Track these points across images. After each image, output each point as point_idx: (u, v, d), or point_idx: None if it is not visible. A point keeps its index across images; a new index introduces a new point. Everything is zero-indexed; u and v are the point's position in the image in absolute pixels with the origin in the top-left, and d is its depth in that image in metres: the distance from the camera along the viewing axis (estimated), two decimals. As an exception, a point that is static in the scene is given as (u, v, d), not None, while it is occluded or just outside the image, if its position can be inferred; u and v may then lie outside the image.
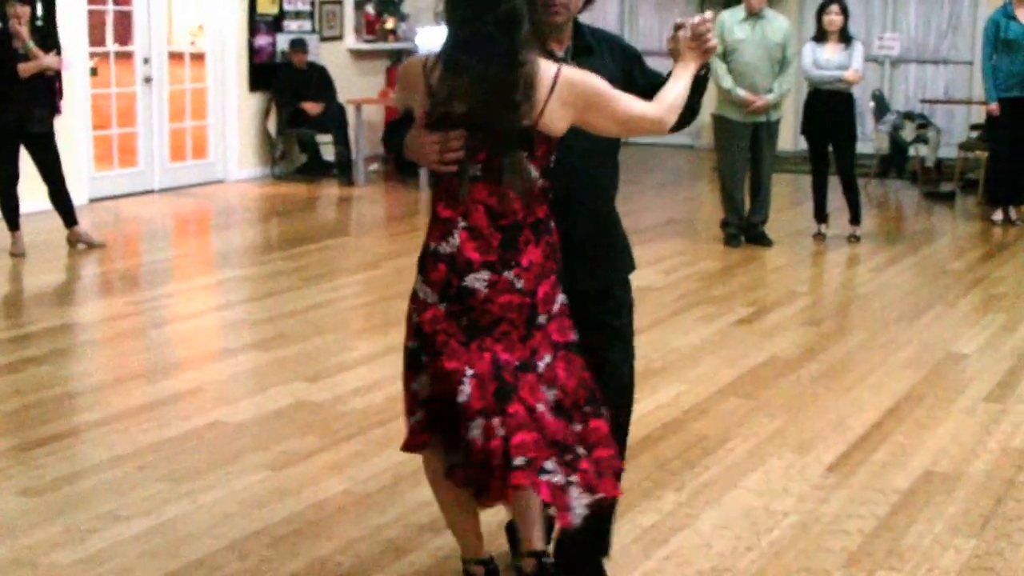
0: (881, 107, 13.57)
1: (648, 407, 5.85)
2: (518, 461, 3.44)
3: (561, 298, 3.59)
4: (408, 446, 3.78)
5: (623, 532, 4.43)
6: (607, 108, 3.52)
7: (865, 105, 13.74)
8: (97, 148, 11.90)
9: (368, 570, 4.15)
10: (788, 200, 11.91)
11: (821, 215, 10.30)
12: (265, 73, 13.28)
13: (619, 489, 3.66)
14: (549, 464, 3.49)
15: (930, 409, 5.91)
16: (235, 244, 10.29)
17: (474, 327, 3.48)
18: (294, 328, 7.28)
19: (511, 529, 4.09)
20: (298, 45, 13.20)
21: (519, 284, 3.47)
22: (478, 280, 3.47)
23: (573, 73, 3.50)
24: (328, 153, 13.50)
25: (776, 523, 4.54)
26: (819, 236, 10.25)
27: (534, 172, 3.48)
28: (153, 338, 7.24)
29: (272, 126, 13.40)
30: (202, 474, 4.99)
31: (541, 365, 3.52)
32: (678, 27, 3.71)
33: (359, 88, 14.03)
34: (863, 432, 5.56)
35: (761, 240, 9.95)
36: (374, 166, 13.91)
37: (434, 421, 3.65)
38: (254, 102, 13.33)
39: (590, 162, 3.77)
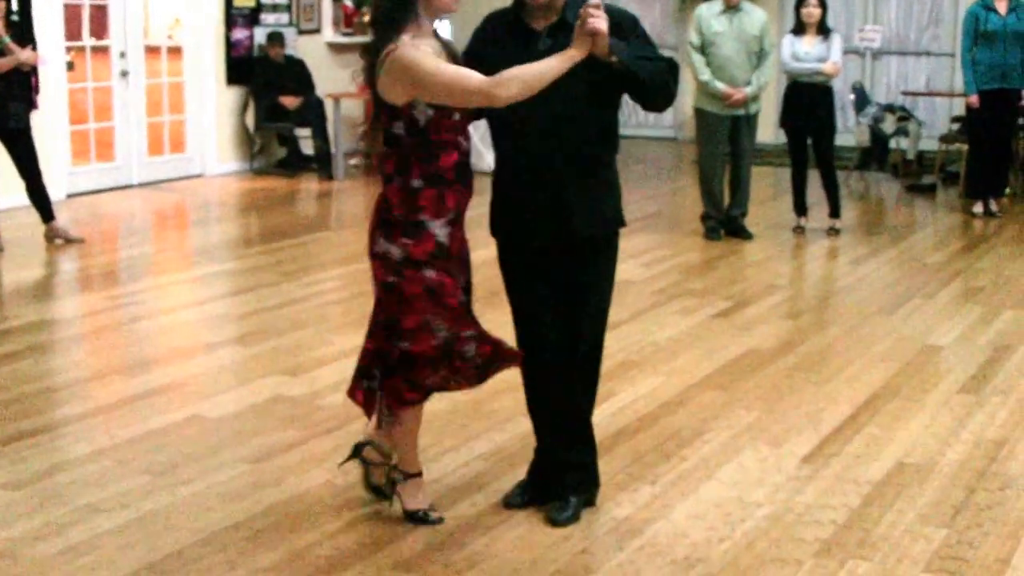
0: (862, 99, 13.62)
1: (625, 400, 5.89)
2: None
3: (382, 247, 4.35)
4: None
5: (598, 524, 4.48)
6: (431, 82, 4.03)
7: (846, 98, 13.80)
8: (74, 143, 11.86)
9: (346, 562, 4.18)
10: (768, 193, 11.96)
11: (801, 208, 10.35)
12: (243, 67, 13.28)
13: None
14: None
15: (905, 401, 5.96)
16: (214, 239, 10.30)
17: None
18: (273, 323, 7.30)
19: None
20: (275, 38, 13.20)
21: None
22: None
23: (402, 51, 4.01)
24: (307, 147, 13.49)
25: (750, 514, 4.59)
26: (799, 229, 10.29)
27: (373, 137, 4.26)
28: (132, 333, 7.25)
29: (250, 120, 13.39)
30: (181, 468, 5.02)
31: (377, 289, 4.42)
32: (584, 9, 3.97)
33: (338, 82, 14.01)
34: (838, 424, 5.61)
35: (741, 233, 10.00)
36: (354, 160, 13.92)
37: None
38: (232, 96, 13.33)
39: (571, 108, 4.15)
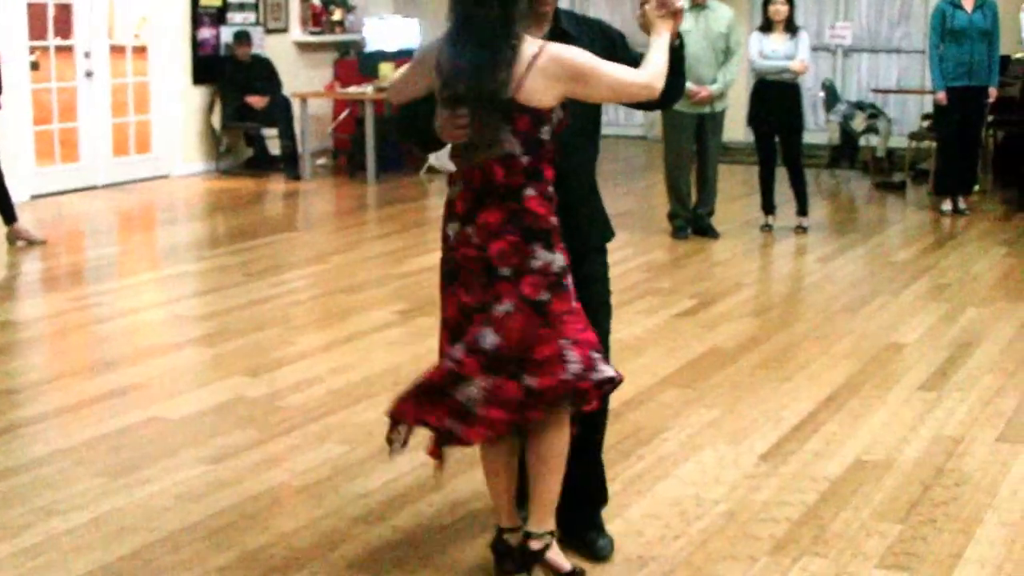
0: (832, 97, 13.65)
1: (586, 398, 5.88)
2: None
3: (539, 261, 3.77)
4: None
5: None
6: (596, 77, 3.78)
7: (816, 95, 13.84)
8: (38, 144, 11.81)
9: (300, 561, 4.17)
10: (736, 191, 11.98)
11: (768, 206, 10.37)
12: (209, 66, 13.24)
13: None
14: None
15: (865, 398, 5.98)
16: (180, 239, 10.26)
17: (448, 273, 3.89)
18: (236, 323, 7.28)
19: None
20: (242, 38, 13.17)
21: (474, 240, 3.77)
22: (452, 229, 3.85)
23: (559, 49, 3.76)
24: (274, 147, 13.46)
25: (706, 512, 4.59)
26: (766, 228, 10.31)
27: (515, 145, 3.74)
28: (94, 334, 7.21)
29: (217, 120, 13.35)
30: (139, 469, 5.00)
31: (497, 309, 3.76)
32: (643, 2, 3.94)
33: (305, 81, 14.02)
34: (797, 422, 5.62)
35: (708, 232, 10.01)
36: (321, 160, 13.89)
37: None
38: (198, 96, 13.29)
39: (579, 139, 4.11)
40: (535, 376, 3.75)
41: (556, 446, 3.87)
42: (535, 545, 3.91)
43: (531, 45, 3.74)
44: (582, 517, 4.26)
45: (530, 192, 3.78)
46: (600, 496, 4.34)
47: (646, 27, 3.97)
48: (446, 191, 3.94)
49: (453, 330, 3.90)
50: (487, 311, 3.77)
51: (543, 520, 3.92)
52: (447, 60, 3.77)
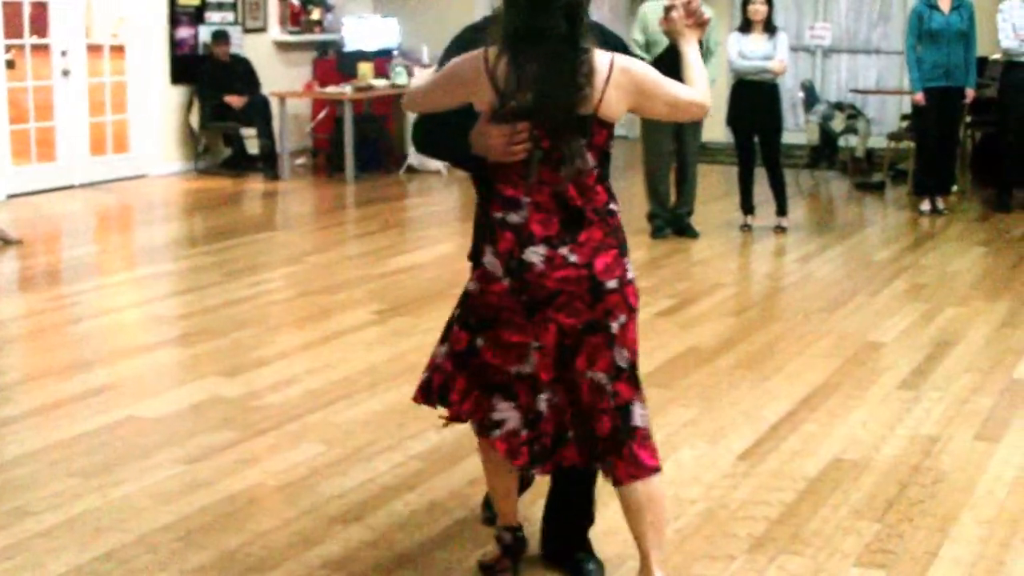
0: (811, 97, 13.68)
1: (564, 398, 5.87)
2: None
3: (631, 273, 3.73)
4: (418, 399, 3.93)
5: (531, 520, 4.45)
6: (659, 93, 3.71)
7: (795, 95, 13.86)
8: (14, 143, 11.74)
9: (277, 561, 4.15)
10: (716, 191, 11.99)
11: (748, 206, 10.38)
12: (187, 65, 13.19)
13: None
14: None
15: (844, 398, 5.98)
16: (157, 239, 10.22)
17: (533, 301, 3.64)
18: (214, 323, 7.25)
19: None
20: (221, 37, 13.13)
21: (573, 258, 3.61)
22: (536, 254, 3.62)
23: (627, 61, 3.68)
24: (252, 147, 13.43)
25: (683, 511, 4.59)
26: (746, 228, 10.32)
27: (591, 160, 3.64)
28: (71, 334, 7.18)
29: (195, 119, 13.30)
30: (114, 469, 4.97)
31: (615, 326, 3.66)
32: (669, 8, 3.88)
33: (284, 81, 13.98)
34: (776, 421, 5.62)
35: (687, 232, 10.01)
36: (300, 160, 13.86)
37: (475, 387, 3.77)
38: (176, 95, 13.24)
39: None
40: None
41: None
42: None
43: (602, 57, 3.63)
44: (571, 538, 4.18)
45: (614, 206, 3.72)
46: (590, 516, 4.24)
47: (671, 34, 3.90)
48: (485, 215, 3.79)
49: (555, 360, 3.67)
50: (605, 330, 3.66)
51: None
52: (510, 74, 3.58)
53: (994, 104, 11.49)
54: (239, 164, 13.43)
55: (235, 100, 13.01)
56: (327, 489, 4.76)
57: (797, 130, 13.73)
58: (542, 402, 3.68)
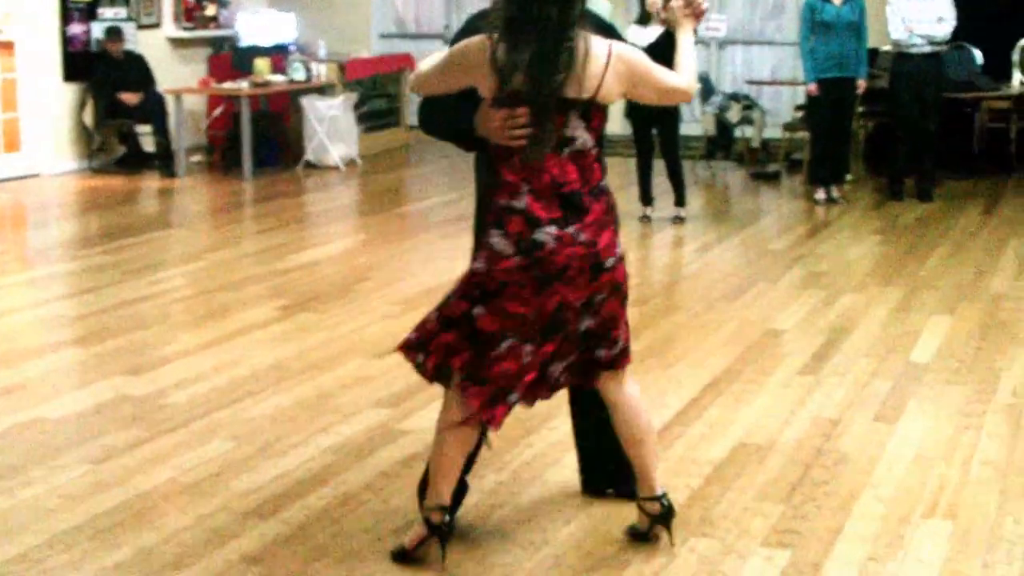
0: (707, 89, 13.83)
1: (472, 389, 5.92)
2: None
3: (621, 248, 4.04)
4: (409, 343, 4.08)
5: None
6: (651, 80, 3.98)
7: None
8: (-97, 143, 11.53)
9: (193, 558, 4.15)
10: (615, 183, 11.74)
11: (646, 198, 10.48)
12: (80, 62, 13.02)
13: None
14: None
15: (746, 383, 6.10)
16: (52, 239, 10.10)
17: (544, 276, 3.87)
18: (115, 322, 7.19)
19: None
20: (114, 33, 12.98)
21: (582, 236, 3.88)
22: (547, 234, 3.85)
23: (623, 48, 3.93)
24: (148, 144, 13.29)
25: (596, 497, 4.65)
26: (645, 219, 10.42)
27: (589, 141, 3.91)
28: (-31, 335, 7.09)
29: (89, 117, 13.14)
30: (22, 470, 4.93)
31: (596, 299, 3.95)
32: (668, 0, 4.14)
33: (179, 77, 13.84)
34: (681, 407, 5.72)
35: (586, 224, 10.07)
36: (196, 157, 13.74)
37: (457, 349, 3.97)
38: (69, 93, 13.05)
39: None
40: (604, 349, 4.04)
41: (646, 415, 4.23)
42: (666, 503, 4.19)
43: (600, 44, 3.86)
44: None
45: (606, 184, 3.99)
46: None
47: (670, 23, 4.16)
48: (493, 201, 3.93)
49: (544, 328, 3.91)
50: (592, 303, 3.94)
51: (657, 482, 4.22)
52: (507, 58, 3.79)
53: (885, 94, 11.72)
54: (134, 162, 13.27)
55: (130, 97, 12.86)
56: (239, 485, 4.77)
57: (693, 121, 13.88)
58: (527, 355, 3.92)
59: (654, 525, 4.21)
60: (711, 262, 9.00)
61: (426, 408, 5.64)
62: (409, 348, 4.06)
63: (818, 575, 4.06)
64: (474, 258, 4.01)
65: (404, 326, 6.92)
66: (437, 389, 5.82)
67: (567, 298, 3.90)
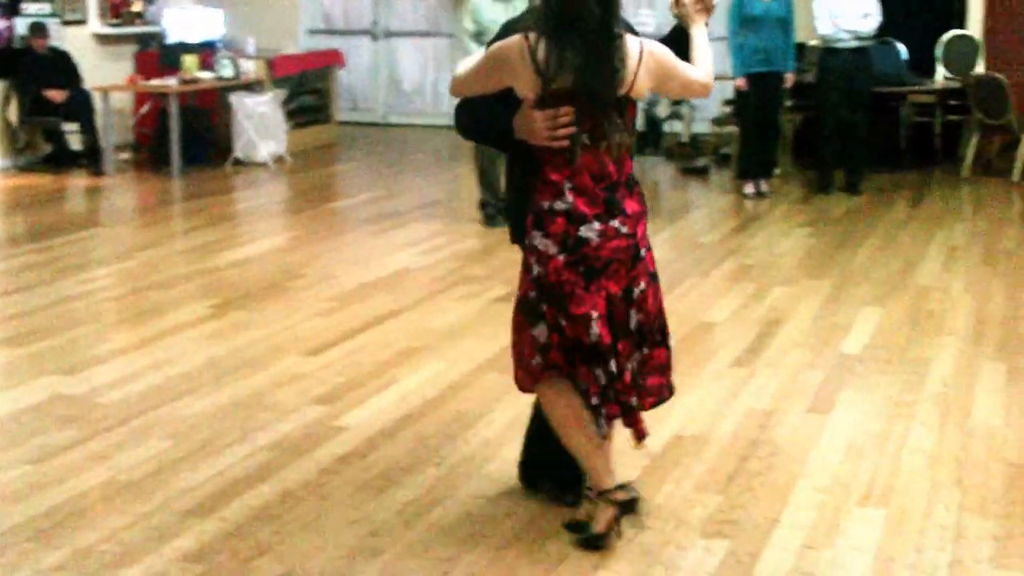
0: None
1: (409, 385, 5.94)
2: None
3: (648, 238, 4.16)
4: (529, 386, 4.19)
5: (385, 507, 4.53)
6: (677, 75, 4.09)
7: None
8: None
9: (134, 557, 4.14)
10: (542, 179, 12.08)
11: (573, 193, 10.51)
12: (3, 59, 12.84)
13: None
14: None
15: (681, 376, 6.07)
16: (-20, 238, 9.99)
17: (590, 271, 3.96)
18: (47, 322, 7.13)
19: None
20: (38, 30, 12.82)
21: (624, 229, 3.98)
22: (591, 230, 3.94)
23: (653, 46, 4.03)
24: (75, 142, 13.15)
25: (535, 493, 4.67)
26: (573, 214, 10.45)
27: (625, 136, 3.99)
28: None
29: (13, 115, 12.97)
30: (-45, 472, 4.89)
31: (636, 291, 4.06)
32: None
33: (105, 74, 13.70)
34: (616, 400, 5.75)
35: (517, 219, 10.09)
36: (124, 155, 13.62)
37: (558, 363, 4.07)
38: (-7, 90, 12.91)
39: None
40: (659, 347, 4.20)
41: None
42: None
43: (633, 42, 3.95)
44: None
45: (634, 174, 4.11)
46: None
47: (682, 18, 4.23)
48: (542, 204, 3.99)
49: (608, 322, 4.01)
50: (631, 296, 4.04)
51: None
52: (551, 58, 3.84)
53: (812, 89, 11.84)
54: (61, 160, 13.12)
55: (55, 95, 12.71)
56: (178, 483, 4.75)
57: (619, 118, 13.93)
58: (612, 364, 4.01)
59: (623, 514, 4.24)
60: (643, 256, 9.04)
61: (362, 405, 5.67)
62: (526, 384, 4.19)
63: (756, 564, 4.11)
64: (529, 263, 4.08)
65: (338, 322, 7.04)
66: (373, 386, 5.91)
67: (611, 290, 4.00)
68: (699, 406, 5.70)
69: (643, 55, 3.96)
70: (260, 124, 13.11)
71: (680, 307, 7.47)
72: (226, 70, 13.18)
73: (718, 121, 13.31)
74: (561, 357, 4.06)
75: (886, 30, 11.85)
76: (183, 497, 4.62)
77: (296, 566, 4.09)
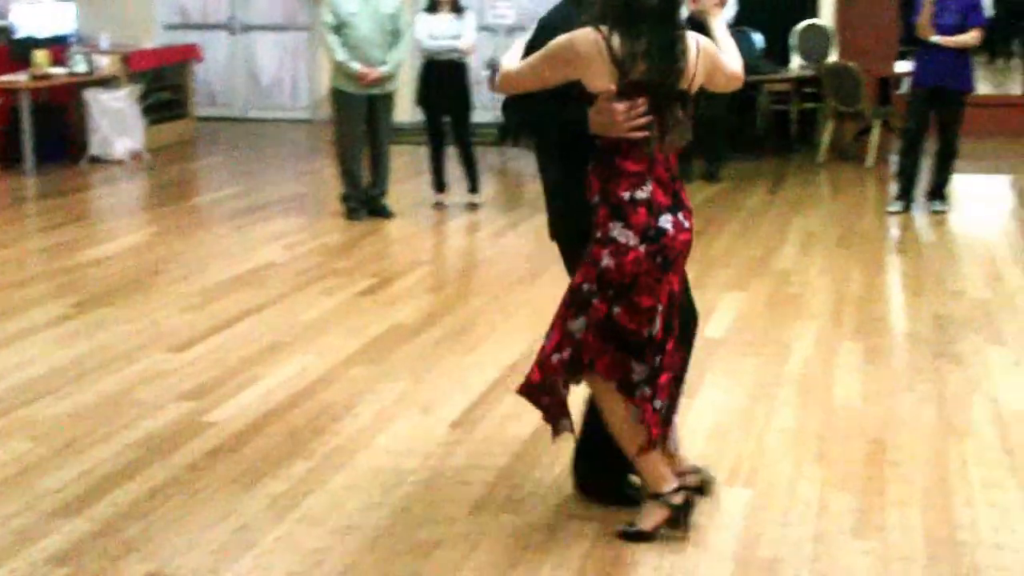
0: (496, 76, 13.91)
1: (276, 380, 5.91)
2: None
3: None
4: (537, 380, 4.22)
5: (255, 500, 4.50)
6: (722, 68, 4.17)
7: (481, 74, 14.09)
8: None
9: (-3, 560, 4.07)
10: (408, 172, 12.11)
11: (440, 185, 10.54)
12: None
13: None
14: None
15: (546, 364, 6.18)
16: None
17: (664, 263, 3.99)
18: None
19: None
20: None
21: (686, 224, 4.07)
22: (667, 221, 3.99)
23: (704, 40, 4.10)
24: None
25: (403, 480, 4.70)
26: (439, 205, 10.48)
27: (688, 130, 4.06)
28: None
29: None
30: None
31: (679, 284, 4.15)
32: None
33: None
34: (484, 389, 5.78)
35: (382, 212, 10.10)
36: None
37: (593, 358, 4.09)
38: None
39: None
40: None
41: None
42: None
43: (690, 37, 4.01)
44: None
45: None
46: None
47: (700, 15, 4.30)
48: (627, 191, 3.98)
49: (666, 317, 4.05)
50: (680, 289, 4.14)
51: None
52: (625, 50, 3.85)
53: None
54: None
55: None
56: (43, 484, 4.66)
57: (484, 108, 13.98)
58: (657, 359, 4.06)
59: (677, 514, 4.23)
60: (506, 247, 9.10)
61: (230, 400, 5.62)
62: (574, 374, 4.20)
63: (627, 545, 4.16)
64: (597, 256, 4.02)
65: (203, 318, 6.97)
66: (240, 380, 5.87)
67: (674, 287, 4.07)
68: (573, 394, 5.72)
69: (700, 51, 4.02)
70: (116, 120, 12.89)
71: (544, 296, 7.46)
72: (79, 66, 12.92)
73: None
74: (592, 355, 4.08)
75: (741, 19, 12.05)
76: (48, 498, 4.53)
77: (166, 563, 4.05)
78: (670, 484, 4.18)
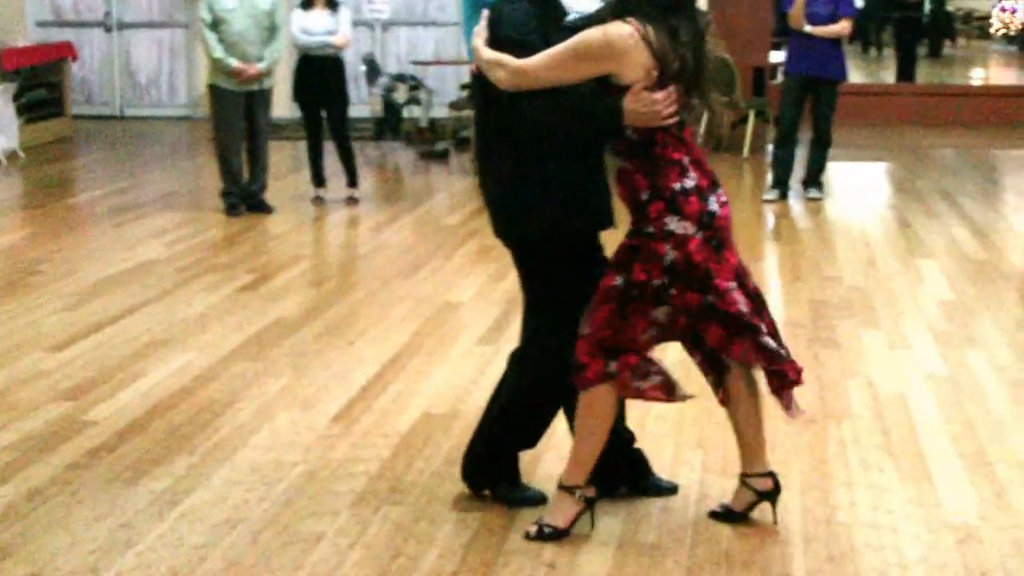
0: (373, 70, 13.94)
1: (157, 377, 5.88)
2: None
3: None
4: (596, 379, 4.13)
5: (136, 498, 4.50)
6: None
7: (358, 69, 14.09)
8: None
9: None
10: (286, 167, 12.09)
11: (319, 179, 10.55)
12: None
13: None
14: None
15: (428, 356, 6.24)
16: None
17: (720, 244, 4.03)
18: None
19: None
20: None
21: (724, 198, 4.10)
22: (715, 203, 4.03)
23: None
24: None
25: (285, 474, 4.72)
26: (318, 200, 10.49)
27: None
28: None
29: None
30: None
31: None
32: None
33: None
34: (365, 383, 5.82)
35: (261, 207, 10.08)
36: None
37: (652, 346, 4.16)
38: None
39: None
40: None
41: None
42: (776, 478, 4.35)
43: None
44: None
45: None
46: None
47: None
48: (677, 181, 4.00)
49: (744, 290, 4.10)
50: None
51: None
52: (664, 41, 3.90)
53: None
54: None
55: None
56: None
57: (361, 103, 13.99)
58: (763, 327, 4.12)
59: (761, 501, 4.31)
60: (386, 240, 9.13)
61: (110, 398, 5.59)
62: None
63: (508, 535, 4.22)
64: (649, 253, 3.98)
65: (82, 316, 6.92)
66: (120, 379, 5.84)
67: (731, 261, 4.10)
68: (447, 384, 5.80)
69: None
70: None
71: (425, 289, 7.59)
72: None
73: (455, 105, 13.47)
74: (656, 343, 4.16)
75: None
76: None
77: (45, 565, 4.02)
78: (759, 465, 4.33)
